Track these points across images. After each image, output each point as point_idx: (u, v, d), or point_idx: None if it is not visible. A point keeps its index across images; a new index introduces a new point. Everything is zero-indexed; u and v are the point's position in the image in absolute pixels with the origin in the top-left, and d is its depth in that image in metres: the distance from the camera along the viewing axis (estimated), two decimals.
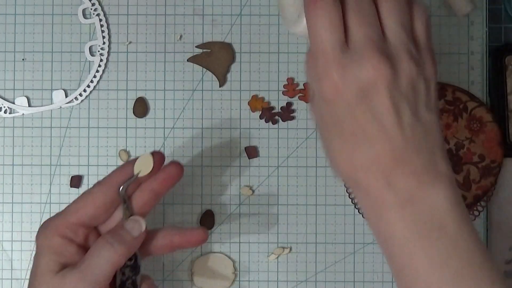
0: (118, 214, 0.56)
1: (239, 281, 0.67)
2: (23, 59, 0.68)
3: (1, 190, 0.67)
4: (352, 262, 0.66)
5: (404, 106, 0.44)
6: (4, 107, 0.67)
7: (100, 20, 0.67)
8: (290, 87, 0.67)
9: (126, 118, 0.67)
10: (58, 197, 0.67)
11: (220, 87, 0.67)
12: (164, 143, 0.67)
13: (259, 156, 0.67)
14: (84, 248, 0.55)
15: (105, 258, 0.53)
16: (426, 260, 0.44)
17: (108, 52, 0.67)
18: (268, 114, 0.67)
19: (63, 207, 0.66)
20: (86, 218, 0.55)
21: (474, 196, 0.65)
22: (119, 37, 0.68)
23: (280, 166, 0.67)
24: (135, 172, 0.55)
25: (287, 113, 0.67)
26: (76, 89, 0.67)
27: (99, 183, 0.56)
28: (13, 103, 0.67)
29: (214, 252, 0.66)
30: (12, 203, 0.67)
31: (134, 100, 0.67)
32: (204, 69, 0.67)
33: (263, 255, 0.67)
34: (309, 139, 0.67)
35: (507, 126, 0.66)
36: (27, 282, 0.66)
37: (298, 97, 0.67)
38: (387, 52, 0.43)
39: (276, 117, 0.67)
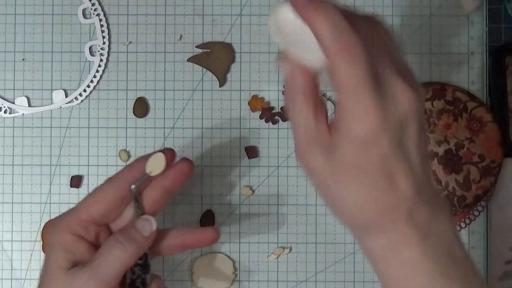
0: (129, 212, 0.56)
1: (239, 281, 0.67)
2: (23, 59, 0.68)
3: (1, 190, 0.67)
4: (352, 262, 0.66)
5: (422, 135, 0.43)
6: (4, 107, 0.67)
7: (100, 20, 0.67)
8: None
9: (126, 118, 0.67)
10: (58, 197, 0.67)
11: (220, 87, 0.67)
12: (164, 143, 0.67)
13: (259, 156, 0.67)
14: (95, 246, 0.55)
15: (116, 257, 0.53)
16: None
17: (108, 52, 0.67)
18: (268, 114, 0.67)
19: (63, 207, 0.67)
20: (97, 215, 0.54)
21: (474, 196, 0.65)
22: (119, 37, 0.68)
23: (280, 166, 0.67)
24: (147, 171, 0.55)
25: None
26: (76, 89, 0.67)
27: (110, 180, 0.56)
28: (13, 103, 0.67)
29: (214, 252, 0.66)
30: (12, 203, 0.67)
31: (134, 100, 0.67)
32: (204, 69, 0.67)
33: (263, 255, 0.67)
34: None
35: (507, 126, 0.66)
36: (27, 282, 0.66)
37: None
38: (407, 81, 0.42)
39: (276, 117, 0.67)
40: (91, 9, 0.67)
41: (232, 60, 0.68)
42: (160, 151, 0.56)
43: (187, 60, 0.68)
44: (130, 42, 0.68)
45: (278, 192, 0.67)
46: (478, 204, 0.66)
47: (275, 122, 0.67)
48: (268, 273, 0.67)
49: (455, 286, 0.43)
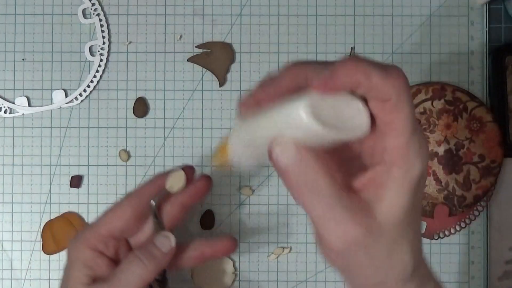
0: (148, 226, 0.56)
1: (239, 281, 0.67)
2: (23, 59, 0.68)
3: (1, 190, 0.67)
4: None
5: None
6: (4, 107, 0.67)
7: (100, 20, 0.67)
8: None
9: (126, 118, 0.67)
10: (58, 197, 0.67)
11: (220, 87, 0.67)
12: (164, 143, 0.67)
13: None
14: (114, 261, 0.55)
15: (135, 274, 0.53)
16: None
17: (108, 52, 0.67)
18: None
19: (63, 207, 0.67)
20: (116, 230, 0.55)
21: (474, 196, 0.65)
22: (119, 37, 0.68)
23: None
24: (168, 188, 0.56)
25: None
26: (76, 89, 0.67)
27: (129, 195, 0.56)
28: (13, 103, 0.67)
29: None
30: (12, 203, 0.67)
31: (134, 100, 0.67)
32: (204, 69, 0.67)
33: (263, 255, 0.67)
34: None
35: (507, 126, 0.66)
36: (27, 282, 0.66)
37: None
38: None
39: None
40: (91, 9, 0.67)
41: (232, 60, 0.68)
42: (180, 168, 0.56)
43: (187, 60, 0.68)
44: (130, 42, 0.68)
45: (278, 192, 0.67)
46: (478, 204, 0.66)
47: None
48: (268, 273, 0.67)
49: None
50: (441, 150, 0.66)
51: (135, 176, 0.67)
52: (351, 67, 0.38)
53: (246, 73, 0.67)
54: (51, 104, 0.67)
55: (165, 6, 0.68)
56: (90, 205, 0.67)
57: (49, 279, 0.66)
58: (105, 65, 0.67)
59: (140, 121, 0.67)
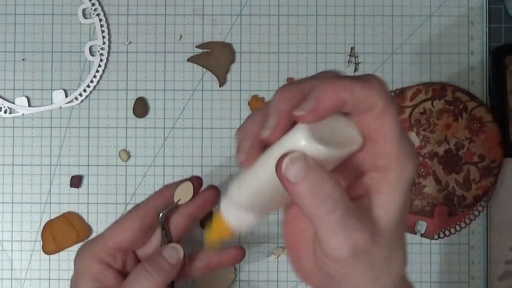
0: (156, 238, 0.56)
1: (239, 281, 0.67)
2: (23, 59, 0.68)
3: (1, 190, 0.67)
4: None
5: None
6: (4, 107, 0.67)
7: (100, 20, 0.67)
8: None
9: (126, 118, 0.67)
10: (58, 197, 0.67)
11: (220, 87, 0.67)
12: (164, 143, 0.67)
13: None
14: (122, 273, 0.55)
15: (144, 287, 0.53)
16: None
17: (108, 52, 0.67)
18: None
19: (63, 207, 0.67)
20: (124, 243, 0.55)
21: (474, 196, 0.65)
22: (119, 37, 0.68)
23: None
24: (175, 199, 0.56)
25: None
26: (76, 89, 0.67)
27: (136, 207, 0.56)
28: (13, 103, 0.67)
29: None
30: (12, 203, 0.67)
31: (134, 100, 0.67)
32: (204, 69, 0.67)
33: (263, 255, 0.67)
34: None
35: (507, 126, 0.66)
36: (27, 282, 0.66)
37: None
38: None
39: None
40: (91, 9, 0.67)
41: (232, 60, 0.68)
42: (188, 179, 0.56)
43: (187, 60, 0.68)
44: (130, 42, 0.68)
45: None
46: (478, 204, 0.66)
47: None
48: (268, 273, 0.67)
49: None
50: (441, 150, 0.66)
51: (135, 176, 0.67)
52: (332, 89, 0.38)
53: (246, 73, 0.67)
54: (51, 104, 0.67)
55: (165, 6, 0.68)
56: (90, 205, 0.67)
57: (49, 279, 0.66)
58: (105, 65, 0.67)
59: (140, 121, 0.67)
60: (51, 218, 0.66)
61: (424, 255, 0.67)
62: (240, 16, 0.68)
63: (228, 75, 0.68)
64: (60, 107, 0.67)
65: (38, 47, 0.67)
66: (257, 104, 0.67)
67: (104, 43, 0.67)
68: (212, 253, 0.57)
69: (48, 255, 0.67)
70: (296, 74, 0.67)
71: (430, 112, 0.66)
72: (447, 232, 0.66)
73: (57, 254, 0.67)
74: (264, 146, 0.40)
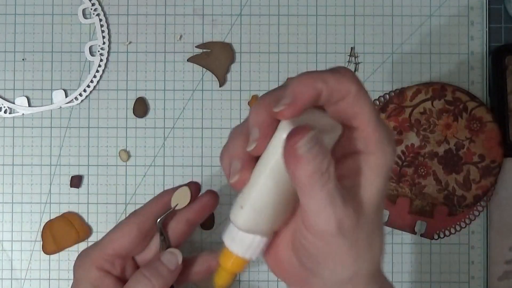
0: (155, 243, 0.56)
1: (239, 281, 0.67)
2: (23, 59, 0.68)
3: (1, 190, 0.67)
4: None
5: None
6: (4, 107, 0.67)
7: (100, 20, 0.67)
8: None
9: (126, 118, 0.67)
10: (58, 197, 0.67)
11: (220, 87, 0.67)
12: (164, 143, 0.67)
13: None
14: (121, 280, 0.55)
15: None
16: None
17: (108, 52, 0.67)
18: None
19: (63, 207, 0.67)
20: (122, 249, 0.55)
21: (474, 196, 0.65)
22: (119, 37, 0.68)
23: None
24: (173, 205, 0.56)
25: None
26: (76, 89, 0.67)
27: (134, 214, 0.56)
28: (13, 103, 0.67)
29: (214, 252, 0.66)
30: (12, 203, 0.67)
31: (134, 100, 0.67)
32: (204, 69, 0.67)
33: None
34: None
35: (507, 126, 0.66)
36: (27, 282, 0.66)
37: None
38: None
39: None
40: (91, 9, 0.67)
41: (232, 60, 0.68)
42: (185, 184, 0.56)
43: (187, 60, 0.68)
44: (130, 42, 0.68)
45: None
46: (478, 204, 0.66)
47: None
48: (268, 273, 0.67)
49: None
50: (441, 150, 0.66)
51: (135, 176, 0.67)
52: (306, 82, 0.39)
53: (246, 73, 0.67)
54: (51, 104, 0.67)
55: (165, 6, 0.68)
56: (90, 205, 0.67)
57: (49, 279, 0.66)
58: (105, 65, 0.67)
59: (140, 121, 0.67)
60: (51, 218, 0.67)
61: (424, 255, 0.67)
62: (240, 16, 0.68)
63: (228, 75, 0.68)
64: (60, 107, 0.67)
65: (38, 47, 0.67)
66: None
67: (104, 43, 0.67)
68: (213, 257, 0.57)
69: (48, 255, 0.67)
70: (296, 74, 0.67)
71: (430, 112, 0.66)
72: (447, 232, 0.66)
73: (57, 254, 0.67)
74: (254, 162, 0.40)
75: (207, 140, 0.67)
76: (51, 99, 0.67)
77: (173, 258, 0.55)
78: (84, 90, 0.67)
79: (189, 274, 0.57)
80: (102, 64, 0.67)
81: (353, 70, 0.68)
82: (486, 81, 0.67)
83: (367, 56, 0.68)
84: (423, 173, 0.66)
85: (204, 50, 0.67)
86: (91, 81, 0.67)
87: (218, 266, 0.42)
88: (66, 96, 0.67)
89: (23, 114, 0.67)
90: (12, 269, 0.67)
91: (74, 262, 0.56)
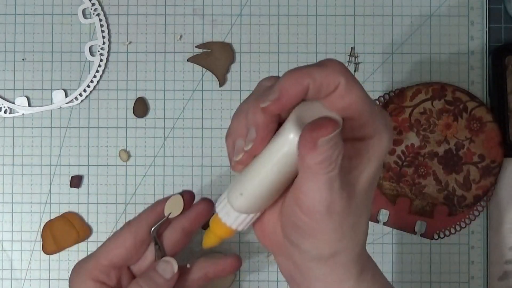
0: (150, 253, 0.56)
1: (239, 281, 0.67)
2: (23, 59, 0.68)
3: (1, 190, 0.67)
4: None
5: None
6: (4, 107, 0.67)
7: (100, 20, 0.67)
8: None
9: (126, 118, 0.67)
10: (58, 197, 0.67)
11: (220, 87, 0.67)
12: (164, 143, 0.67)
13: None
14: None
15: None
16: None
17: (108, 52, 0.67)
18: None
19: (63, 207, 0.67)
20: (117, 260, 0.55)
21: (474, 196, 0.65)
22: (119, 37, 0.68)
23: None
24: (166, 213, 0.56)
25: None
26: (76, 89, 0.67)
27: (128, 224, 0.56)
28: (13, 103, 0.67)
29: (214, 252, 0.66)
30: (12, 203, 0.67)
31: (134, 100, 0.67)
32: (204, 69, 0.67)
33: (263, 255, 0.67)
34: None
35: (507, 126, 0.66)
36: (27, 282, 0.66)
37: None
38: None
39: None
40: (91, 9, 0.67)
41: (232, 60, 0.68)
42: (179, 193, 0.56)
43: (187, 60, 0.68)
44: (130, 42, 0.68)
45: None
46: (478, 204, 0.66)
47: None
48: (268, 273, 0.67)
49: None
50: (441, 150, 0.66)
51: (135, 176, 0.67)
52: (292, 78, 0.39)
53: (246, 73, 0.67)
54: (51, 104, 0.67)
55: (165, 6, 0.68)
56: (90, 205, 0.67)
57: (49, 279, 0.66)
58: (105, 65, 0.67)
59: (140, 121, 0.67)
60: (51, 218, 0.67)
61: (424, 255, 0.67)
62: (240, 16, 0.68)
63: (228, 75, 0.68)
64: (60, 107, 0.67)
65: (38, 47, 0.67)
66: None
67: (104, 43, 0.67)
68: (209, 263, 0.58)
69: (48, 255, 0.67)
70: None
71: (430, 112, 0.66)
72: (447, 232, 0.66)
73: (57, 254, 0.67)
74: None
75: (207, 140, 0.67)
76: (51, 99, 0.67)
77: (169, 267, 0.55)
78: (84, 90, 0.67)
79: (186, 281, 0.57)
80: (102, 64, 0.67)
81: (353, 70, 0.68)
82: (486, 81, 0.67)
83: (367, 56, 0.68)
84: (423, 173, 0.66)
85: (204, 50, 0.67)
86: (91, 81, 0.67)
87: (208, 228, 0.45)
88: (66, 96, 0.67)
89: (23, 114, 0.67)
90: (12, 269, 0.67)
91: (70, 273, 0.56)
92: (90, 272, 0.54)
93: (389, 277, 0.66)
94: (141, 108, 0.67)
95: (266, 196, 0.42)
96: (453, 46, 0.68)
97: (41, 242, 0.66)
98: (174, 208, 0.56)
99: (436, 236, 0.66)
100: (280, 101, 0.39)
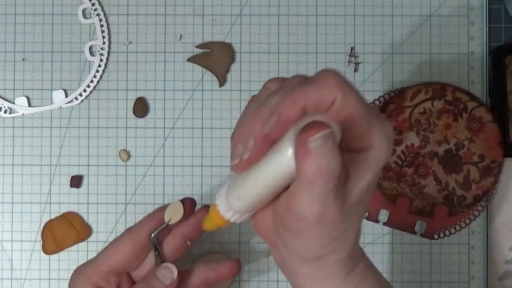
0: (151, 259, 0.56)
1: (239, 281, 0.67)
2: (23, 59, 0.68)
3: (1, 190, 0.67)
4: None
5: None
6: (4, 107, 0.67)
7: (100, 20, 0.67)
8: None
9: (126, 118, 0.67)
10: (58, 197, 0.67)
11: (220, 87, 0.67)
12: (164, 143, 0.67)
13: None
14: None
15: None
16: None
17: (108, 52, 0.67)
18: None
19: (63, 207, 0.67)
20: (117, 266, 0.55)
21: (474, 196, 0.65)
22: (119, 37, 0.68)
23: None
24: (166, 219, 0.56)
25: None
26: (76, 89, 0.67)
27: (129, 230, 0.56)
28: (13, 103, 0.67)
29: (214, 252, 0.66)
30: (12, 203, 0.67)
31: (134, 100, 0.67)
32: (204, 69, 0.67)
33: (263, 255, 0.67)
34: None
35: (507, 126, 0.66)
36: (27, 282, 0.66)
37: None
38: None
39: None
40: (91, 9, 0.67)
41: (232, 60, 0.68)
42: (179, 200, 0.57)
43: (187, 60, 0.68)
44: (130, 42, 0.68)
45: None
46: (478, 204, 0.66)
47: None
48: (268, 273, 0.67)
49: None
50: (441, 150, 0.66)
51: (135, 176, 0.67)
52: (288, 101, 0.39)
53: (246, 73, 0.67)
54: (51, 104, 0.67)
55: (165, 6, 0.68)
56: (90, 205, 0.67)
57: (49, 279, 0.66)
58: (105, 65, 0.67)
59: (140, 121, 0.67)
60: (51, 218, 0.67)
61: (424, 255, 0.67)
62: (240, 16, 0.68)
63: (228, 75, 0.68)
64: (60, 107, 0.67)
65: (38, 47, 0.67)
66: None
67: (104, 43, 0.67)
68: (209, 268, 0.58)
69: (48, 255, 0.67)
70: (296, 74, 0.67)
71: (430, 112, 0.66)
72: (447, 232, 0.66)
73: (57, 254, 0.67)
74: (267, 144, 0.41)
75: (207, 140, 0.67)
76: (51, 99, 0.67)
77: (168, 273, 0.55)
78: (84, 90, 0.67)
79: (186, 287, 0.57)
80: (102, 64, 0.67)
81: (353, 70, 0.68)
82: (486, 81, 0.67)
83: (367, 56, 0.68)
84: (423, 173, 0.66)
85: (204, 50, 0.67)
86: (91, 81, 0.67)
87: (208, 214, 0.45)
88: (66, 96, 0.67)
89: (23, 114, 0.67)
90: (12, 269, 0.67)
91: (70, 277, 0.56)
92: (89, 277, 0.55)
93: (389, 277, 0.66)
94: (141, 108, 0.67)
95: (263, 201, 0.43)
96: (453, 46, 0.68)
97: (41, 242, 0.66)
98: (174, 214, 0.56)
99: (436, 236, 0.66)
100: (279, 126, 0.40)
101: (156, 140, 0.67)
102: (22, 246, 0.67)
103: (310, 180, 0.39)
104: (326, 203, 0.40)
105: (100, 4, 0.68)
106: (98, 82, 0.67)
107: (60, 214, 0.67)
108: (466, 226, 0.66)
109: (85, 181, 0.67)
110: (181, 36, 0.68)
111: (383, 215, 0.67)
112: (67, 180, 0.67)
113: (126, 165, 0.67)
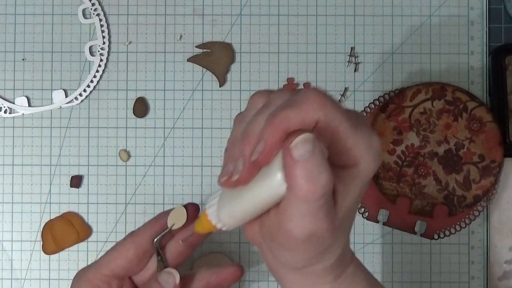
0: (153, 264, 0.56)
1: (239, 281, 0.67)
2: (23, 59, 0.68)
3: (1, 190, 0.67)
4: None
5: None
6: (4, 107, 0.67)
7: (100, 20, 0.67)
8: (290, 87, 0.67)
9: (126, 118, 0.67)
10: (58, 197, 0.67)
11: (220, 87, 0.67)
12: (164, 143, 0.67)
13: None
14: None
15: None
16: None
17: (108, 52, 0.67)
18: None
19: (63, 207, 0.67)
20: (119, 270, 0.55)
21: (474, 196, 0.65)
22: (119, 37, 0.68)
23: None
24: (169, 224, 0.56)
25: None
26: (76, 89, 0.67)
27: (131, 235, 0.56)
28: (13, 103, 0.67)
29: (214, 252, 0.66)
30: (12, 203, 0.67)
31: (134, 100, 0.67)
32: (204, 69, 0.67)
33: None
34: None
35: (507, 126, 0.66)
36: (27, 282, 0.66)
37: None
38: None
39: None
40: (91, 9, 0.67)
41: (232, 60, 0.68)
42: (182, 205, 0.57)
43: (187, 60, 0.68)
44: (130, 42, 0.68)
45: None
46: (478, 204, 0.66)
47: None
48: (268, 273, 0.67)
49: None
50: (441, 150, 0.66)
51: (135, 176, 0.67)
52: (272, 129, 0.39)
53: (246, 73, 0.67)
54: (51, 104, 0.67)
55: (165, 6, 0.68)
56: (90, 205, 0.67)
57: (49, 279, 0.67)
58: (105, 65, 0.67)
59: (140, 121, 0.67)
60: (51, 218, 0.67)
61: (424, 255, 0.67)
62: (240, 16, 0.68)
63: (228, 75, 0.68)
64: (60, 107, 0.67)
65: (38, 47, 0.67)
66: None
67: (104, 43, 0.67)
68: (211, 273, 0.58)
69: (48, 255, 0.67)
70: (296, 74, 0.67)
71: (430, 112, 0.66)
72: (447, 232, 0.66)
73: (57, 254, 0.67)
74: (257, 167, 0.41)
75: (207, 140, 0.67)
76: (51, 99, 0.67)
77: (170, 278, 0.55)
78: (84, 90, 0.67)
79: None
80: (102, 64, 0.67)
81: (353, 70, 0.68)
82: (486, 81, 0.67)
83: (367, 56, 0.68)
84: (423, 173, 0.66)
85: (204, 50, 0.67)
86: (91, 81, 0.67)
87: (199, 219, 0.45)
88: (66, 96, 0.67)
89: (23, 114, 0.67)
90: (12, 269, 0.67)
91: (71, 282, 0.56)
92: (91, 281, 0.55)
93: (389, 277, 0.66)
94: (141, 108, 0.67)
95: (253, 217, 0.43)
96: (453, 46, 0.68)
97: (41, 242, 0.66)
98: (177, 219, 0.56)
99: (436, 236, 0.66)
100: (266, 152, 0.39)
101: (156, 140, 0.67)
102: (22, 246, 0.67)
103: (301, 195, 0.38)
104: (317, 221, 0.39)
105: (100, 4, 0.68)
106: (98, 82, 0.67)
107: (60, 214, 0.67)
108: (466, 226, 0.66)
109: (85, 181, 0.67)
110: (181, 36, 0.68)
111: (383, 215, 0.67)
112: (67, 180, 0.67)
113: (126, 165, 0.67)
